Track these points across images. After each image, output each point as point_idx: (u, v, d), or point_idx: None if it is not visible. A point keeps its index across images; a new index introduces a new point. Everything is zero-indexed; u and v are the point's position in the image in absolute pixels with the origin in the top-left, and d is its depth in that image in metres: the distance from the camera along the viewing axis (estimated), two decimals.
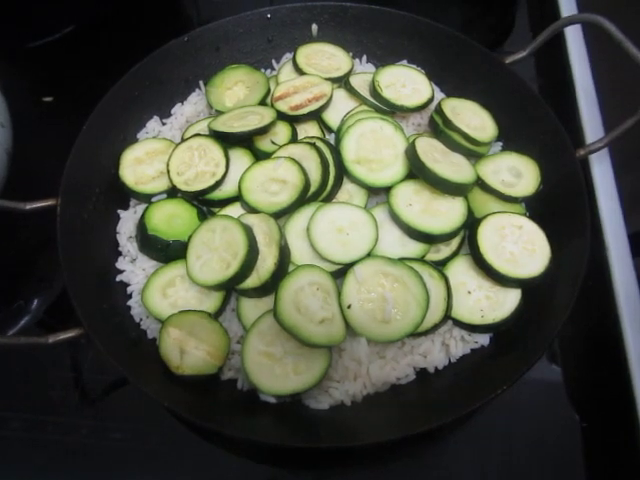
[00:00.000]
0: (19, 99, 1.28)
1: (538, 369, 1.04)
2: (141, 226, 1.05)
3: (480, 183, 1.10)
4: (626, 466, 1.00)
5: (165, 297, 1.01)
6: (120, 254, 1.10)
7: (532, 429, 1.03)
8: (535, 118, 1.16)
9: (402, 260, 0.98)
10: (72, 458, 1.00)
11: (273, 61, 1.36)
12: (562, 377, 1.08)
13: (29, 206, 1.03)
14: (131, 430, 1.01)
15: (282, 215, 1.04)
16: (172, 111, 1.28)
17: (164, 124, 1.26)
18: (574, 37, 1.46)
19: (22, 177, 1.23)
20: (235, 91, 1.27)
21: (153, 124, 1.25)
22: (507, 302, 0.98)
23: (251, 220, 1.02)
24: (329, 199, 1.08)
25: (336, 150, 1.10)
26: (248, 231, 0.98)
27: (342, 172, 1.09)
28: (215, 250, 1.00)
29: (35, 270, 1.25)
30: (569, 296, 0.94)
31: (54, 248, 1.10)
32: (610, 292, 1.10)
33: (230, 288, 0.99)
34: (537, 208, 1.12)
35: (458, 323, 0.99)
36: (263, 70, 1.34)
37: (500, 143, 1.22)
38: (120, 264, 1.08)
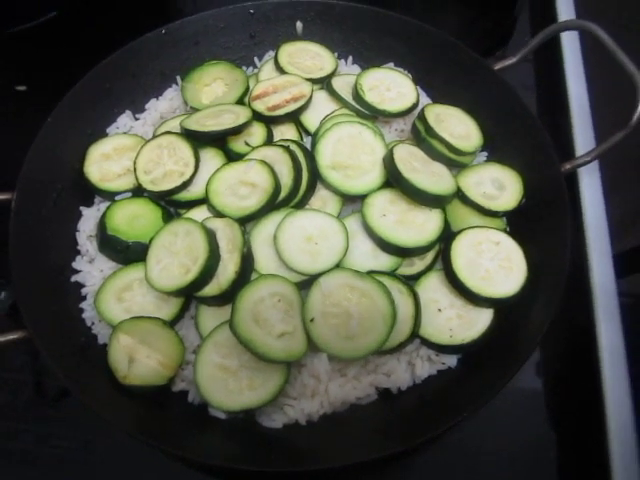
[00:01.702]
0: None
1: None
2: (101, 225, 1.01)
3: (460, 195, 1.05)
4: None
5: (120, 301, 0.96)
6: (79, 253, 1.05)
7: (504, 444, 0.99)
8: (522, 128, 1.11)
9: (371, 274, 0.93)
10: (14, 466, 0.95)
11: (255, 59, 1.31)
12: (542, 388, 1.03)
13: None
14: (77, 439, 0.96)
15: (250, 220, 1.00)
16: (146, 106, 1.23)
17: (137, 119, 1.22)
18: (570, 44, 1.41)
19: None
20: (213, 88, 1.22)
21: (125, 119, 1.20)
22: (478, 322, 0.93)
23: (216, 224, 0.97)
24: (301, 205, 1.04)
25: (310, 155, 1.05)
26: (210, 236, 0.94)
27: (316, 177, 1.04)
28: (176, 254, 0.95)
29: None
30: (544, 319, 0.89)
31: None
32: (590, 314, 1.05)
33: (189, 295, 0.95)
34: (518, 223, 1.06)
35: (426, 342, 0.94)
36: (245, 67, 1.29)
37: (485, 153, 1.17)
38: (77, 264, 1.03)
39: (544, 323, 0.89)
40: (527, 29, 1.62)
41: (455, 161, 1.10)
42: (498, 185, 1.07)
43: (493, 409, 0.98)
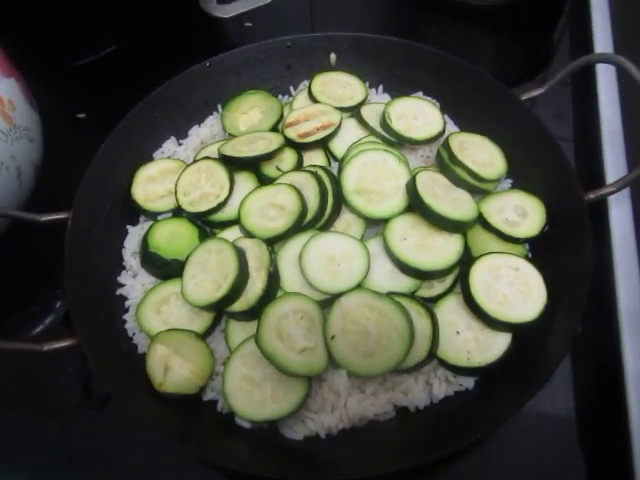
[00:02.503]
0: (54, 115, 1.36)
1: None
2: (144, 243, 1.10)
3: (482, 221, 1.08)
4: None
5: (158, 314, 1.04)
6: (124, 268, 1.14)
7: (526, 471, 1.00)
8: (546, 157, 1.13)
9: (389, 294, 0.97)
10: (60, 463, 1.04)
11: (291, 88, 1.39)
12: (568, 415, 1.04)
13: (44, 218, 1.09)
14: (125, 437, 1.04)
15: (277, 241, 1.06)
16: (189, 132, 1.33)
17: (180, 144, 1.31)
18: (607, 77, 1.41)
19: (49, 190, 1.31)
20: (250, 115, 1.31)
21: (169, 144, 1.30)
22: (495, 346, 0.95)
23: (245, 244, 1.04)
24: (326, 227, 1.09)
25: (336, 180, 1.11)
26: (240, 254, 1.00)
27: (340, 202, 1.10)
28: (209, 271, 1.03)
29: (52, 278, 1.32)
30: (562, 347, 0.91)
31: None
32: (616, 341, 1.04)
33: (219, 310, 1.01)
34: (540, 249, 1.08)
35: (443, 363, 0.96)
36: (281, 96, 1.37)
37: (510, 180, 1.19)
38: (122, 278, 1.12)
39: (563, 350, 0.91)
40: (567, 57, 1.64)
41: (478, 188, 1.13)
42: (520, 212, 1.10)
43: (513, 434, 0.99)
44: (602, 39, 1.52)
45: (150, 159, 1.27)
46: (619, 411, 0.98)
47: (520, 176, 1.18)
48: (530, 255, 1.09)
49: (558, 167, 1.10)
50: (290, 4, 1.77)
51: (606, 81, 1.42)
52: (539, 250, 1.09)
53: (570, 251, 1.02)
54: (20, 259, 1.32)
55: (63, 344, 0.96)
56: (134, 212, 1.21)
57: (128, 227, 1.19)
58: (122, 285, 1.11)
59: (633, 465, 0.92)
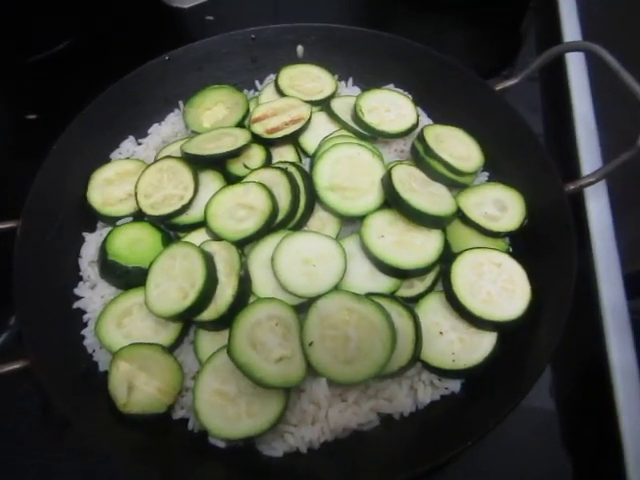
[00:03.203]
0: (2, 116, 1.26)
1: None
2: (102, 250, 1.01)
3: (461, 216, 1.04)
4: None
5: (120, 327, 0.96)
6: (81, 279, 1.05)
7: (515, 468, 0.96)
8: (523, 148, 1.10)
9: (370, 296, 0.92)
10: None
11: (257, 82, 1.33)
12: (555, 412, 1.01)
13: None
14: (78, 470, 0.95)
15: (247, 243, 1.00)
16: (149, 131, 1.25)
17: (139, 144, 1.23)
18: (576, 65, 1.40)
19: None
20: (214, 112, 1.24)
21: (128, 144, 1.22)
22: (481, 346, 0.91)
23: (213, 248, 0.97)
24: (299, 227, 1.03)
25: (308, 176, 1.05)
26: (208, 259, 0.93)
27: (314, 199, 1.04)
28: (174, 278, 0.95)
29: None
30: (549, 343, 0.87)
31: None
32: (601, 336, 1.02)
33: (187, 320, 0.94)
34: (521, 244, 1.05)
35: (427, 366, 0.92)
36: (246, 91, 1.31)
37: (487, 173, 1.16)
38: (79, 290, 1.03)
39: (551, 347, 0.87)
40: (534, 49, 1.62)
41: (455, 181, 1.09)
42: (500, 206, 1.06)
43: (503, 431, 0.95)
44: (570, 29, 1.51)
45: (107, 160, 1.19)
46: (604, 400, 0.96)
47: (497, 169, 1.15)
48: (511, 250, 1.05)
49: (536, 159, 1.07)
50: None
51: (577, 72, 1.40)
52: (519, 244, 1.05)
53: (552, 244, 0.99)
54: None
55: (14, 367, 0.87)
56: (90, 218, 1.12)
57: (85, 234, 1.10)
58: (79, 298, 1.03)
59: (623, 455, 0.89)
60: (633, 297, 1.08)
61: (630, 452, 0.90)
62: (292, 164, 1.08)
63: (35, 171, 1.13)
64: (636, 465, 0.89)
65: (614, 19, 1.58)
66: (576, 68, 1.40)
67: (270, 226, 0.99)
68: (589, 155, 1.26)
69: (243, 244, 0.99)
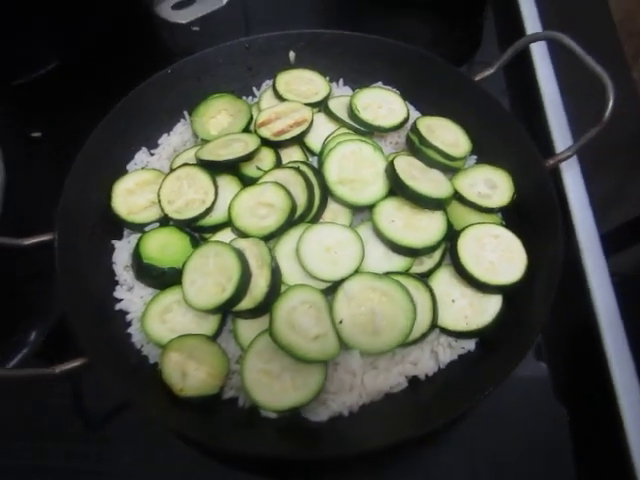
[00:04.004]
0: (7, 136, 1.31)
1: (524, 367, 1.11)
2: (136, 256, 1.09)
3: (458, 197, 1.16)
4: (611, 452, 1.05)
5: (163, 323, 1.04)
6: (117, 283, 1.13)
7: (521, 426, 1.08)
8: (506, 132, 1.22)
9: (388, 274, 1.04)
10: None
11: (254, 88, 1.41)
12: (548, 373, 1.13)
13: (27, 242, 1.06)
14: (138, 452, 1.04)
15: (271, 238, 1.09)
16: (159, 142, 1.32)
17: (152, 155, 1.31)
18: (540, 52, 1.54)
19: (12, 213, 1.26)
20: (219, 119, 1.32)
21: (141, 155, 1.29)
22: (489, 308, 1.04)
23: (242, 244, 1.06)
24: (315, 220, 1.13)
25: (319, 173, 1.15)
26: (240, 255, 1.03)
27: (326, 193, 1.14)
28: (209, 275, 1.04)
29: (30, 303, 1.27)
30: (546, 299, 1.00)
31: (48, 280, 1.15)
32: (586, 291, 1.16)
33: (226, 310, 1.03)
34: (512, 217, 1.18)
35: (444, 331, 1.04)
36: (244, 97, 1.39)
37: (475, 157, 1.28)
38: (118, 293, 1.11)
39: (547, 303, 1.00)
40: (494, 38, 1.76)
41: (449, 166, 1.21)
42: (490, 185, 1.19)
43: (504, 396, 1.07)
44: (530, 19, 1.65)
45: (124, 172, 1.26)
46: (594, 356, 1.09)
47: (483, 152, 1.28)
48: (504, 223, 1.18)
49: (518, 140, 1.20)
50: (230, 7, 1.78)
51: (541, 59, 1.54)
52: (511, 217, 1.18)
53: (541, 214, 1.11)
54: None
55: (75, 364, 0.95)
56: (117, 226, 1.19)
57: (113, 242, 1.18)
58: (119, 300, 1.11)
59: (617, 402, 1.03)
60: (610, 255, 1.23)
61: (622, 394, 1.03)
62: (303, 163, 1.18)
63: (48, 187, 1.20)
64: (630, 409, 1.02)
65: (567, 7, 1.73)
66: (540, 55, 1.55)
67: (290, 221, 1.09)
68: (560, 133, 1.40)
69: (268, 239, 1.08)
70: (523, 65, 1.55)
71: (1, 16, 1.44)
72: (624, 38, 1.53)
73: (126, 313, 1.09)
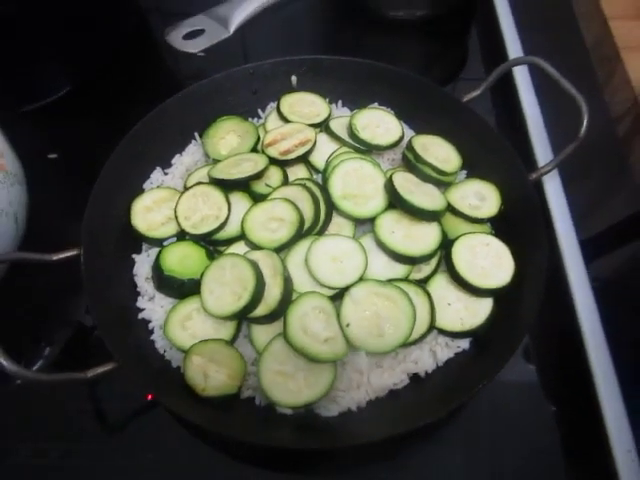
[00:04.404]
0: (25, 158, 1.40)
1: (514, 368, 1.22)
2: (157, 268, 1.18)
3: (451, 209, 1.27)
4: (597, 446, 1.14)
5: (184, 329, 1.13)
6: (139, 294, 1.22)
7: (513, 423, 1.18)
8: (493, 148, 1.33)
9: (390, 281, 1.14)
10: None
11: (259, 110, 1.51)
12: (536, 373, 1.23)
13: (55, 257, 1.14)
14: (160, 451, 1.12)
15: (282, 249, 1.19)
16: (172, 161, 1.41)
17: (166, 174, 1.39)
18: (522, 75, 1.66)
19: (35, 231, 1.34)
20: (228, 140, 1.42)
21: (157, 175, 1.38)
22: (482, 310, 1.14)
23: (256, 256, 1.16)
24: (322, 232, 1.23)
25: (324, 189, 1.25)
26: (255, 266, 1.12)
27: (331, 207, 1.24)
28: (226, 285, 1.13)
29: (56, 314, 1.35)
30: (534, 301, 1.10)
31: (72, 293, 1.23)
32: (567, 293, 1.27)
33: (242, 317, 1.13)
34: (501, 227, 1.28)
35: (442, 331, 1.14)
36: (250, 119, 1.49)
37: (465, 171, 1.39)
38: (140, 303, 1.20)
39: (534, 306, 1.09)
40: (479, 59, 1.88)
41: (441, 181, 1.32)
42: (480, 197, 1.30)
43: (495, 396, 1.17)
44: (512, 44, 1.78)
45: (141, 190, 1.35)
46: (578, 360, 1.19)
47: (472, 167, 1.39)
48: (493, 232, 1.29)
49: (504, 156, 1.31)
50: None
51: (523, 81, 1.67)
52: (499, 226, 1.29)
53: (526, 224, 1.22)
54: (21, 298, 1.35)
55: (105, 369, 1.03)
56: (135, 241, 1.28)
57: (134, 256, 1.26)
58: (141, 309, 1.19)
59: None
60: (590, 262, 1.34)
61: (603, 392, 1.13)
62: (309, 180, 1.28)
63: (66, 205, 1.28)
64: (609, 405, 1.12)
65: (546, 34, 1.86)
66: (522, 77, 1.68)
67: (299, 233, 1.19)
68: (541, 149, 1.52)
69: (279, 251, 1.18)
70: (507, 87, 1.67)
71: (13, 45, 1.53)
72: (595, 64, 1.66)
73: (148, 322, 1.18)
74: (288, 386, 1.06)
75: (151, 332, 1.17)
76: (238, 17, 1.75)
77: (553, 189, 1.43)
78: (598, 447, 1.12)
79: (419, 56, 1.95)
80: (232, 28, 1.72)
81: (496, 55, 1.80)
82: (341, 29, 1.97)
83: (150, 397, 1.16)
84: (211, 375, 1.07)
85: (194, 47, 1.61)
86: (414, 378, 1.13)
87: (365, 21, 1.92)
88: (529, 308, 1.11)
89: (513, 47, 1.73)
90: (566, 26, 1.81)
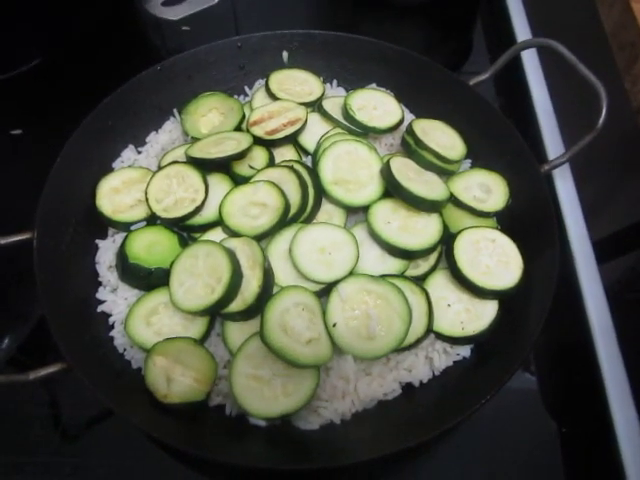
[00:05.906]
0: None
1: (514, 379, 1.09)
2: (121, 255, 1.05)
3: (453, 200, 1.15)
4: (603, 465, 1.03)
5: (149, 325, 1.00)
6: (100, 284, 1.08)
7: (513, 438, 1.06)
8: (500, 137, 1.21)
9: (384, 277, 1.01)
10: None
11: (246, 87, 1.39)
12: (538, 385, 1.11)
13: (4, 241, 1.01)
14: (115, 466, 0.98)
15: (264, 238, 1.06)
16: (147, 139, 1.29)
17: (139, 152, 1.27)
18: (531, 60, 1.54)
19: None
20: (210, 118, 1.29)
21: (128, 153, 1.25)
22: (485, 314, 1.02)
23: (234, 244, 1.03)
24: (309, 220, 1.10)
25: (314, 172, 1.12)
26: (231, 255, 0.99)
27: (321, 193, 1.12)
28: (199, 276, 1.00)
29: (9, 306, 1.22)
30: (543, 306, 0.98)
31: (26, 282, 1.09)
32: (579, 298, 1.15)
33: (215, 313, 0.99)
34: (507, 222, 1.16)
35: (440, 336, 1.01)
36: (236, 96, 1.36)
37: (469, 160, 1.27)
38: (101, 294, 1.06)
39: (544, 310, 0.98)
40: (483, 48, 1.76)
41: (444, 169, 1.19)
42: (485, 189, 1.17)
43: (496, 410, 1.04)
44: (520, 28, 1.66)
45: (110, 170, 1.22)
46: (589, 369, 1.07)
47: (477, 156, 1.27)
48: (499, 228, 1.16)
49: (513, 144, 1.19)
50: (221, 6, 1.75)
51: (532, 66, 1.55)
52: (506, 222, 1.17)
53: (536, 220, 1.10)
54: None
55: (50, 370, 0.89)
56: (101, 225, 1.15)
57: (97, 241, 1.13)
58: (102, 302, 1.06)
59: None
60: (602, 262, 1.22)
61: (615, 406, 1.02)
62: (297, 162, 1.15)
63: (27, 185, 1.15)
64: (622, 418, 1.01)
65: (558, 18, 1.75)
66: (531, 63, 1.55)
67: (284, 221, 1.06)
68: (551, 140, 1.40)
69: (260, 239, 1.05)
70: (513, 73, 1.55)
71: None
72: (615, 50, 1.54)
73: (109, 315, 1.05)
74: (263, 393, 0.93)
75: (111, 327, 1.03)
76: None
77: (564, 184, 1.32)
78: (607, 471, 1.00)
79: (422, 40, 1.83)
80: None
81: (502, 41, 1.67)
82: (340, 8, 1.84)
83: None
84: (175, 379, 0.94)
85: (174, 14, 1.47)
86: (407, 388, 1.00)
87: (365, 1, 1.80)
88: (538, 315, 0.98)
89: (521, 31, 1.61)
90: (581, 9, 1.69)
